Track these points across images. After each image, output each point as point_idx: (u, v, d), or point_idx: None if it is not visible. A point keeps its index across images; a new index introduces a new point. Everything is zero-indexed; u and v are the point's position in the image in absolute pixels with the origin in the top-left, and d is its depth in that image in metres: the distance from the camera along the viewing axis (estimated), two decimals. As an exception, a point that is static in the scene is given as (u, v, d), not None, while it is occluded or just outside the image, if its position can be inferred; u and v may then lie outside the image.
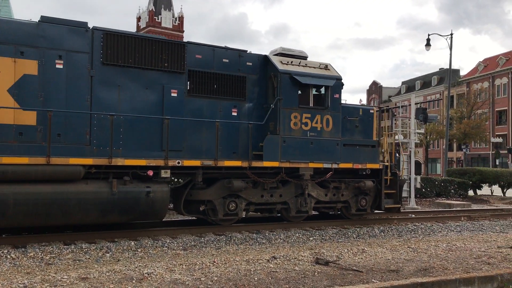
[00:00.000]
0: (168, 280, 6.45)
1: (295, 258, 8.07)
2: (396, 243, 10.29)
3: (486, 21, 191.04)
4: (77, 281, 6.30)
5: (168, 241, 9.74)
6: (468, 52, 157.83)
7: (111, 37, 10.11)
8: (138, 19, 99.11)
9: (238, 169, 11.10)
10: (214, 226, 11.22)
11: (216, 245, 9.81)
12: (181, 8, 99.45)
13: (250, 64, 11.79)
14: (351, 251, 8.93)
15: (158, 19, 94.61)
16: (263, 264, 7.61)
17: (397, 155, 14.08)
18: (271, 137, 11.34)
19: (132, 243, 9.34)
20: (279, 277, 6.76)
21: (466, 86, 72.46)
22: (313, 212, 12.53)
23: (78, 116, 9.68)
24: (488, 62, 74.70)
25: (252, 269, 7.19)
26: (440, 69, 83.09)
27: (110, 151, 9.63)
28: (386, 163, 13.22)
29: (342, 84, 12.53)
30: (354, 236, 11.49)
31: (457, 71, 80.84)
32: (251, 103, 11.78)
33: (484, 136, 58.76)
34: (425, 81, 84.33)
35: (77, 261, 8.02)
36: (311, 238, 10.93)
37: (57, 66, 9.64)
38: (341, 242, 10.72)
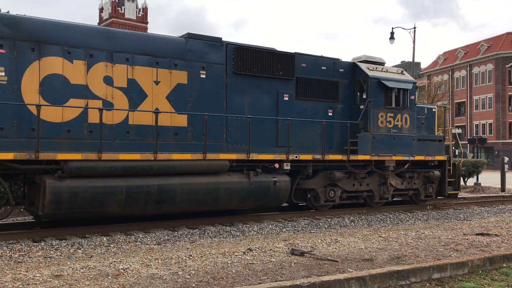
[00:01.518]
0: (145, 275, 6.36)
1: (270, 250, 8.11)
2: (367, 233, 10.50)
3: (442, 15, 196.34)
4: (51, 279, 6.13)
5: (141, 235, 9.61)
6: (425, 45, 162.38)
7: (240, 50, 11.82)
8: (101, 10, 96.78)
9: (337, 162, 12.99)
10: (187, 220, 11.22)
11: (190, 238, 9.74)
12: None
13: (342, 70, 13.66)
14: (325, 241, 9.05)
15: (121, 10, 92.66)
16: (240, 256, 7.61)
17: (453, 148, 15.86)
18: (363, 134, 13.20)
19: (104, 239, 9.16)
20: (256, 269, 6.78)
21: (427, 79, 74.44)
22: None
23: (218, 118, 11.35)
24: (448, 56, 76.92)
25: (229, 262, 7.18)
26: (402, 61, 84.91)
27: (248, 148, 11.41)
28: (448, 155, 15.35)
29: (417, 87, 14.57)
30: (326, 226, 11.65)
31: (418, 63, 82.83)
32: (343, 104, 13.67)
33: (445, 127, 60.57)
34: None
35: (48, 258, 7.80)
36: (284, 230, 11.01)
37: (201, 76, 11.32)
38: (313, 232, 10.85)
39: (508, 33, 67.77)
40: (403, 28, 34.09)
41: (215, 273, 6.46)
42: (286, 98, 12.54)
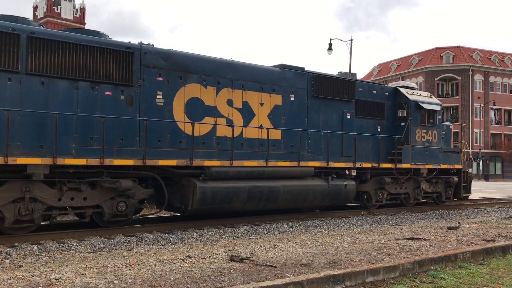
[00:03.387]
0: (78, 284, 6.11)
1: (210, 257, 8.06)
2: (304, 238, 10.70)
3: (374, 28, 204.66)
4: (-25, 291, 5.76)
5: (74, 244, 9.25)
6: (359, 57, 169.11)
7: (318, 78, 14.48)
8: (35, 8, 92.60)
9: (386, 169, 15.82)
10: (123, 227, 10.95)
11: (127, 246, 9.50)
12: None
13: (387, 94, 16.63)
14: (264, 247, 9.12)
15: (57, 10, 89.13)
16: (178, 263, 7.51)
17: (464, 158, 18.96)
18: (406, 146, 16.12)
19: (35, 247, 8.74)
20: (195, 276, 6.72)
21: (363, 89, 77.21)
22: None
23: (302, 133, 13.70)
24: (382, 67, 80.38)
25: (167, 269, 7.06)
26: (339, 72, 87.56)
27: (328, 157, 14.22)
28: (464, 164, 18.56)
29: (442, 108, 18.10)
30: (265, 232, 11.76)
31: (354, 74, 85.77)
32: (387, 122, 16.55)
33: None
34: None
35: (-28, 269, 7.32)
36: (224, 236, 11.00)
37: (291, 98, 13.87)
38: (253, 238, 10.91)
39: (437, 48, 71.90)
40: (341, 40, 35.28)
41: (153, 281, 6.34)
42: (348, 117, 15.28)
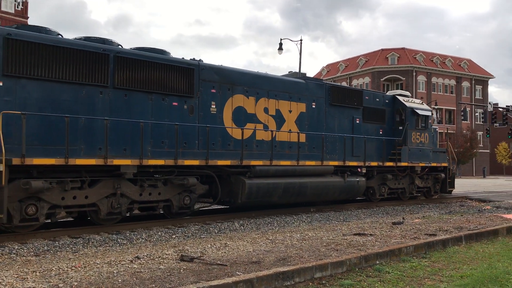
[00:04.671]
0: (20, 289, 5.87)
1: (159, 257, 7.94)
2: (255, 236, 10.75)
3: (322, 29, 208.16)
4: None
5: (16, 247, 8.86)
6: (308, 57, 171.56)
7: (333, 88, 16.91)
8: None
9: (388, 167, 17.95)
10: (68, 229, 10.60)
11: (73, 248, 9.20)
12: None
13: (387, 101, 18.88)
14: (214, 246, 9.09)
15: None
16: (126, 265, 7.35)
17: (447, 157, 21.10)
18: (404, 147, 18.36)
19: (-28, 252, 8.29)
20: (144, 277, 6.60)
21: (313, 89, 78.58)
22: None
23: (320, 137, 15.82)
24: (330, 68, 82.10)
25: (115, 271, 6.89)
26: (289, 72, 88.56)
27: (344, 157, 16.31)
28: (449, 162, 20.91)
29: (433, 113, 20.82)
30: (216, 231, 11.72)
31: (304, 74, 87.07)
32: (387, 126, 18.74)
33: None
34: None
35: None
36: (174, 236, 10.88)
37: (313, 106, 15.89)
38: (203, 238, 10.85)
39: (382, 50, 74.22)
40: (291, 40, 35.72)
41: (100, 284, 6.17)
42: (357, 121, 17.39)
